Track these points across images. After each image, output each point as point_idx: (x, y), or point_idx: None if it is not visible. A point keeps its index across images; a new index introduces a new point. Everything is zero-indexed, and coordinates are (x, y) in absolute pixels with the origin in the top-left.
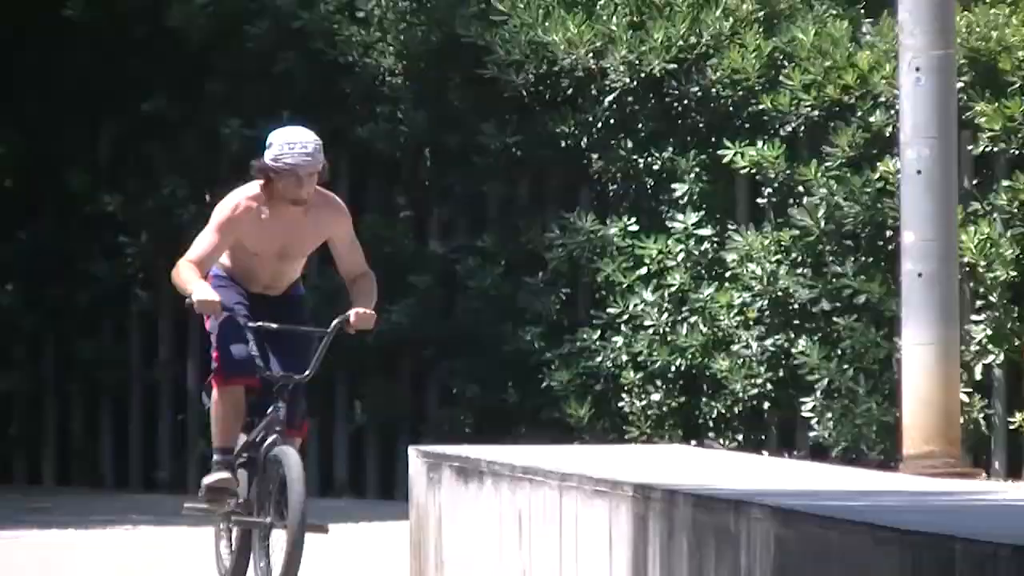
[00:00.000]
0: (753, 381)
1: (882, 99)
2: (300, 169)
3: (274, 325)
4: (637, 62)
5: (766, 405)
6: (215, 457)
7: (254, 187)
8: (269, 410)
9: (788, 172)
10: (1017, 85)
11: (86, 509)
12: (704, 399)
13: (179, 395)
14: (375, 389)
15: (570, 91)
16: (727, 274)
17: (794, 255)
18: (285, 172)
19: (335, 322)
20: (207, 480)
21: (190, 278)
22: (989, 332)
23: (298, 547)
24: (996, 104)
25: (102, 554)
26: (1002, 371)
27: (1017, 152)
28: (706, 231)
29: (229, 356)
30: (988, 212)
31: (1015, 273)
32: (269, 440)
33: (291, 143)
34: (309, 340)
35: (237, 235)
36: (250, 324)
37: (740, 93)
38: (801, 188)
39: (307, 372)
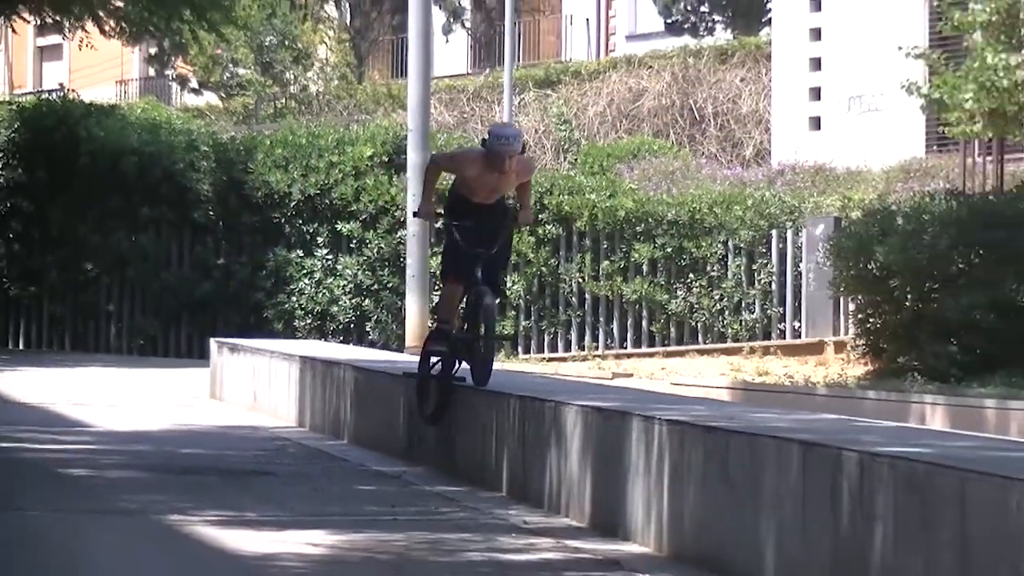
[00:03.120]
0: (347, 311)
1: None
2: (504, 153)
3: (470, 223)
4: (302, 186)
5: (353, 324)
6: (439, 326)
7: (482, 150)
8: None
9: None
10: None
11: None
12: (328, 321)
13: (119, 318)
14: (202, 317)
15: (276, 199)
16: (341, 269)
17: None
18: (494, 154)
19: (514, 219)
20: (432, 347)
21: (425, 187)
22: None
23: (491, 351)
24: None
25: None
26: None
27: None
28: (330, 257)
29: (456, 266)
30: None
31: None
32: (473, 290)
33: (499, 137)
34: (499, 230)
35: (460, 171)
36: (464, 224)
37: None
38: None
39: (493, 249)
